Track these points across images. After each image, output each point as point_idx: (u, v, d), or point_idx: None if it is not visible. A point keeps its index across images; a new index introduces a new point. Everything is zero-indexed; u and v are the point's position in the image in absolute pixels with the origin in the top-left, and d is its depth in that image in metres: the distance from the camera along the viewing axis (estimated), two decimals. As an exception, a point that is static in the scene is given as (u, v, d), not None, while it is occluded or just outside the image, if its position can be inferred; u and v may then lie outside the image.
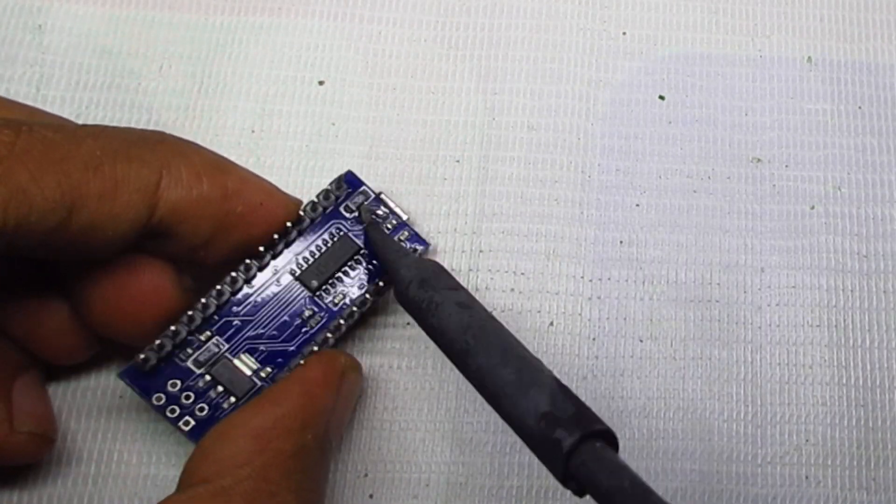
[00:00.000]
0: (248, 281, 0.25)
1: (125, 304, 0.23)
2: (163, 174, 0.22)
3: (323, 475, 0.23)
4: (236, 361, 0.25)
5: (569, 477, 0.19)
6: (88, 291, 0.23)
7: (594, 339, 0.27)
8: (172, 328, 0.24)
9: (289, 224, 0.25)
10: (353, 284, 0.26)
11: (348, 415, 0.25)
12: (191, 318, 0.24)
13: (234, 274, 0.25)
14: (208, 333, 0.25)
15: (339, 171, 0.28)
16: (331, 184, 0.26)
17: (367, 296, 0.25)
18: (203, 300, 0.24)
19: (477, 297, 0.27)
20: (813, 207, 0.28)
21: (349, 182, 0.27)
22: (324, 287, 0.26)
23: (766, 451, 0.26)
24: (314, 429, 0.23)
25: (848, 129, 0.29)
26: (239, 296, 0.25)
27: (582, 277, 0.28)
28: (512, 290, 0.27)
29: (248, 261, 0.25)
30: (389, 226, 0.26)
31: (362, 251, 0.26)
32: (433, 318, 0.22)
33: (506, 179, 0.28)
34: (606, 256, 0.28)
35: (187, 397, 0.24)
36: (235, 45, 0.30)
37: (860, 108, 0.30)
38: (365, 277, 0.26)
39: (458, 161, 0.29)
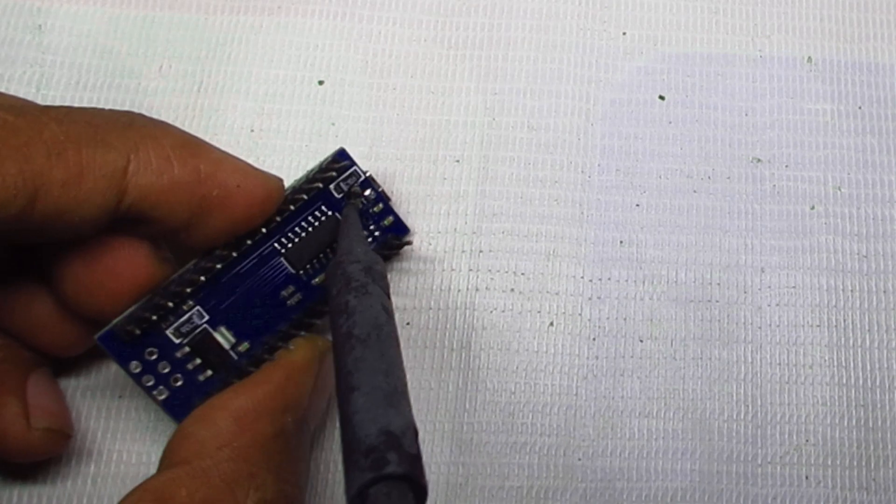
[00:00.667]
0: (233, 254, 0.25)
1: (99, 280, 0.23)
2: (130, 158, 0.21)
3: (302, 458, 0.23)
4: (216, 334, 0.25)
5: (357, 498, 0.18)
6: (62, 272, 0.23)
7: (594, 339, 0.27)
8: (154, 297, 0.24)
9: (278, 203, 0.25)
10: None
11: (326, 399, 0.25)
12: (174, 287, 0.24)
13: (219, 248, 0.25)
14: (190, 303, 0.24)
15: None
16: (323, 161, 0.26)
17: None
18: (187, 270, 0.24)
19: (477, 296, 0.27)
20: (813, 207, 0.28)
21: (340, 158, 0.26)
22: (307, 266, 0.25)
23: (766, 451, 0.26)
24: (294, 411, 0.23)
25: (848, 129, 0.29)
26: (223, 268, 0.25)
27: (582, 277, 0.28)
28: (512, 290, 0.27)
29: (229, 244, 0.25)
30: (375, 209, 0.26)
31: None
32: (353, 297, 0.21)
33: (506, 179, 0.28)
34: (606, 256, 0.28)
35: (164, 367, 0.24)
36: (235, 45, 0.30)
37: (860, 108, 0.30)
38: None
39: (458, 161, 0.29)
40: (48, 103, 0.28)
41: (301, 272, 0.25)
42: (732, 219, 0.28)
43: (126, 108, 0.29)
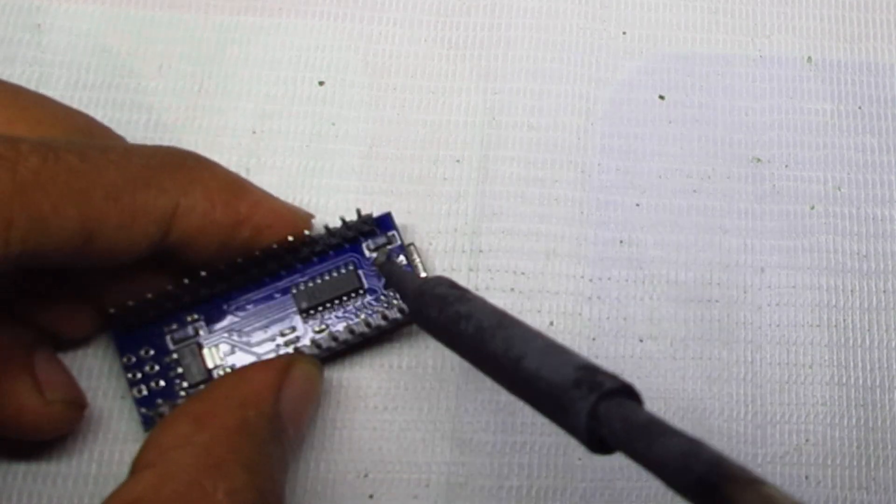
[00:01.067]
0: (250, 280, 0.26)
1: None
2: (179, 202, 0.22)
3: (278, 458, 0.23)
4: (205, 350, 0.25)
5: (594, 436, 0.18)
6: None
7: (594, 339, 0.27)
8: (166, 298, 0.25)
9: (308, 236, 0.26)
10: (340, 321, 0.26)
11: (308, 405, 0.25)
12: (185, 297, 0.25)
13: (236, 272, 0.25)
14: (195, 315, 0.25)
15: (340, 170, 0.28)
16: (366, 217, 0.26)
17: (341, 336, 0.26)
18: (203, 281, 0.25)
19: (477, 297, 0.27)
20: (813, 207, 0.29)
21: (382, 224, 0.27)
22: (311, 311, 0.26)
23: (766, 451, 0.26)
24: (256, 406, 0.23)
25: (848, 129, 0.29)
26: (237, 291, 0.26)
27: (582, 277, 0.28)
28: (512, 289, 0.27)
29: (255, 265, 0.25)
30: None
31: (361, 290, 0.26)
32: (460, 305, 0.21)
33: (506, 179, 0.28)
34: (606, 256, 0.28)
35: (151, 367, 0.25)
36: (235, 46, 0.30)
37: (860, 108, 0.30)
38: (351, 317, 0.26)
39: (458, 161, 0.29)
40: (47, 103, 0.29)
41: (304, 315, 0.26)
42: (732, 219, 0.28)
43: (126, 107, 0.29)
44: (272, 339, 0.25)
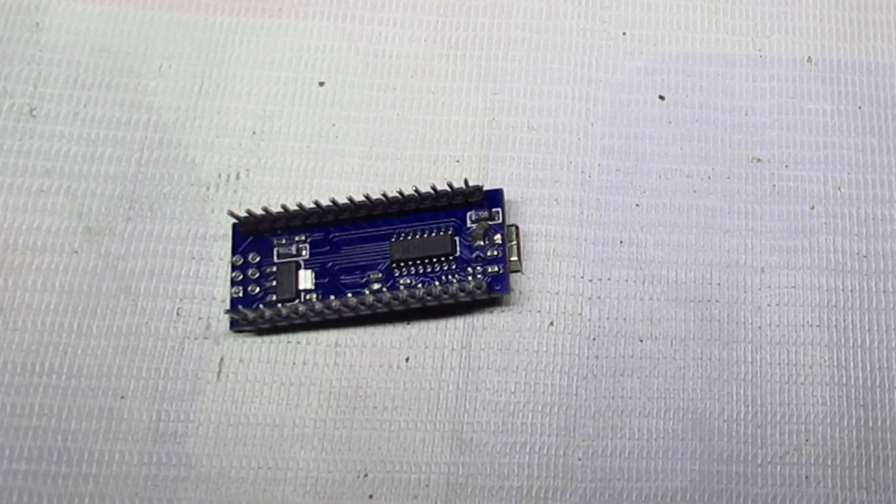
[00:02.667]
0: (360, 218, 0.27)
1: None
2: None
3: None
4: (301, 272, 0.27)
5: None
6: None
7: (594, 339, 0.27)
8: (285, 215, 0.27)
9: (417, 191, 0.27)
10: (423, 279, 0.27)
11: None
12: (298, 219, 0.27)
13: (345, 205, 0.27)
14: (303, 237, 0.27)
15: (340, 170, 0.28)
16: (472, 187, 0.27)
17: (422, 293, 0.26)
18: (318, 210, 0.27)
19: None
20: (813, 207, 0.29)
21: (491, 198, 0.27)
22: (402, 264, 0.27)
23: (766, 451, 0.26)
24: None
25: (848, 129, 0.29)
26: (347, 224, 0.27)
27: (582, 277, 0.28)
28: (512, 290, 0.27)
29: (362, 202, 0.27)
30: (490, 253, 0.27)
31: (452, 256, 0.27)
32: None
33: (506, 179, 0.28)
34: (606, 256, 0.28)
35: (253, 273, 0.27)
36: (236, 46, 0.30)
37: (860, 108, 0.30)
38: (436, 279, 0.27)
39: (458, 161, 0.29)
40: (46, 101, 0.29)
41: (394, 266, 0.27)
42: (732, 219, 0.28)
43: (125, 107, 0.29)
44: (360, 279, 0.26)
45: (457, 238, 0.27)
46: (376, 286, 0.26)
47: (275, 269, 0.27)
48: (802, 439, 0.26)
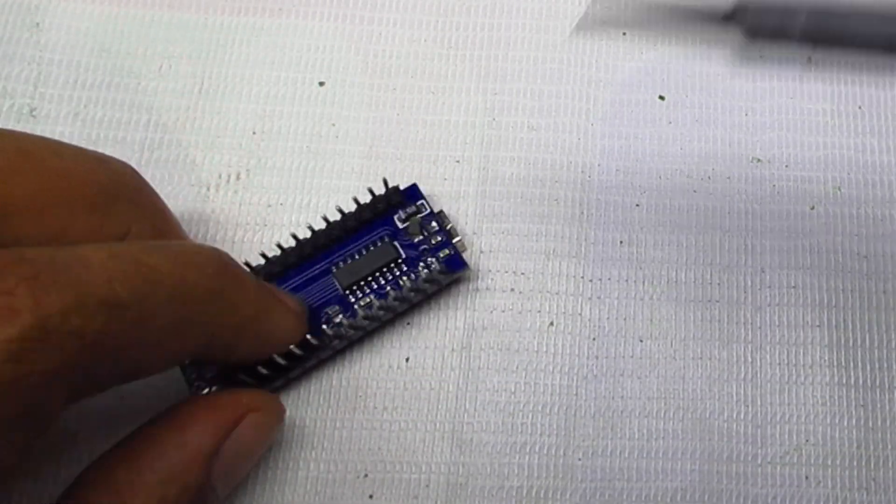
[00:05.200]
0: (289, 267, 0.26)
1: None
2: (214, 331, 0.22)
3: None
4: None
5: None
6: None
7: (594, 339, 0.27)
8: None
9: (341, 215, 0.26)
10: (385, 291, 0.26)
11: (249, 460, 0.24)
12: None
13: (275, 256, 0.26)
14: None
15: (340, 170, 0.28)
16: (390, 190, 0.27)
17: (388, 304, 0.26)
18: (249, 266, 0.25)
19: (477, 297, 0.27)
20: (813, 207, 0.29)
21: (410, 195, 0.27)
22: (354, 288, 0.26)
23: (766, 451, 0.26)
24: (182, 479, 0.22)
25: (848, 129, 0.29)
26: (279, 278, 0.26)
27: (582, 277, 0.28)
28: (512, 290, 0.27)
29: (293, 250, 0.26)
30: (433, 241, 0.27)
31: (399, 259, 0.26)
32: None
33: (506, 180, 0.28)
34: (606, 256, 0.28)
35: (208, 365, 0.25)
36: (236, 46, 0.30)
37: (860, 108, 0.30)
38: (395, 285, 0.26)
39: (458, 161, 0.29)
40: (46, 102, 0.29)
41: (348, 293, 0.26)
42: (732, 219, 0.28)
43: (126, 107, 0.29)
44: (319, 320, 0.26)
45: (395, 243, 0.26)
46: (338, 319, 0.26)
47: None
48: (802, 439, 0.26)
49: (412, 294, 0.26)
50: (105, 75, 0.29)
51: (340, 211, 0.26)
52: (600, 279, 0.28)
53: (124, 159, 0.28)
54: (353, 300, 0.26)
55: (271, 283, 0.26)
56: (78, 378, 0.18)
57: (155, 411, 0.26)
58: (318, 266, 0.26)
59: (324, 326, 0.25)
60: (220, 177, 0.28)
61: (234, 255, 0.27)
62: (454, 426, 0.26)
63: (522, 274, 0.28)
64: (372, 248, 0.26)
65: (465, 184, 0.28)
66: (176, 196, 0.28)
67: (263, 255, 0.26)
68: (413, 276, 0.26)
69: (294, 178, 0.28)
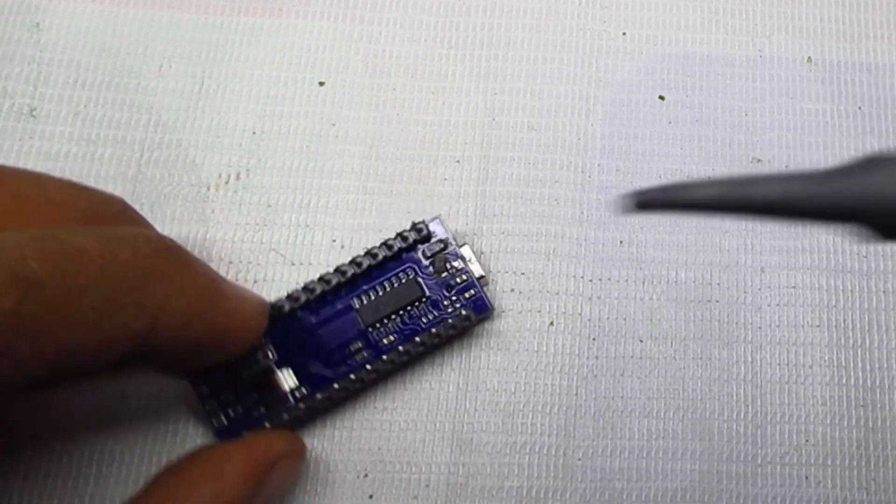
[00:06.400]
0: (313, 301, 0.26)
1: None
2: (157, 318, 0.21)
3: None
4: (279, 374, 0.25)
5: None
6: None
7: (594, 339, 0.27)
8: None
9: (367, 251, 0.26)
10: (407, 331, 0.26)
11: (280, 498, 0.25)
12: None
13: (301, 291, 0.25)
14: (263, 339, 0.25)
15: (340, 170, 0.28)
16: (417, 224, 0.26)
17: (413, 347, 0.25)
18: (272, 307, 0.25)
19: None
20: (813, 207, 0.28)
21: (434, 231, 0.27)
22: (377, 325, 0.26)
23: (766, 451, 0.26)
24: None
25: (848, 129, 0.29)
26: (300, 313, 0.26)
27: (582, 277, 0.28)
28: (512, 290, 0.27)
29: (317, 285, 0.25)
30: (459, 280, 0.26)
31: (423, 298, 0.26)
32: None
33: (506, 180, 0.28)
34: (606, 256, 0.28)
35: (228, 396, 0.25)
36: (236, 46, 0.30)
37: (860, 108, 0.30)
38: (418, 327, 0.26)
39: (458, 161, 0.29)
40: (46, 101, 0.29)
41: (370, 330, 0.26)
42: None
43: (125, 107, 0.29)
44: (342, 357, 0.25)
45: (419, 280, 0.26)
46: (360, 357, 0.25)
47: (250, 383, 0.25)
48: (802, 439, 0.26)
49: (435, 340, 0.25)
50: (105, 75, 0.29)
51: (368, 252, 0.26)
52: (600, 279, 0.28)
53: (124, 159, 0.28)
54: (375, 338, 0.25)
55: (295, 315, 0.26)
56: (12, 365, 0.17)
57: (155, 411, 0.26)
58: (341, 301, 0.26)
59: (345, 363, 0.25)
60: (220, 177, 0.28)
61: (235, 256, 0.27)
62: (454, 426, 0.26)
63: (522, 274, 0.28)
64: (396, 286, 0.26)
65: (465, 184, 0.28)
66: (176, 196, 0.28)
67: (289, 297, 0.25)
68: (437, 318, 0.26)
69: (294, 178, 0.28)
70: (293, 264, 0.27)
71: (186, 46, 0.30)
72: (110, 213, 0.23)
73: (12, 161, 0.28)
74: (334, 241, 0.28)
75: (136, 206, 0.28)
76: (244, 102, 0.29)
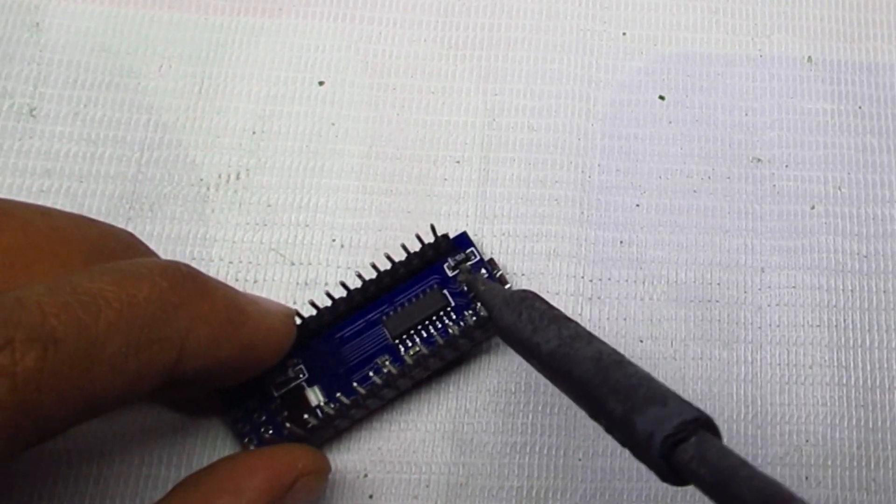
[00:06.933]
0: (339, 317, 0.26)
1: None
2: (184, 348, 0.20)
3: None
4: (308, 391, 0.25)
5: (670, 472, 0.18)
6: None
7: (594, 339, 0.27)
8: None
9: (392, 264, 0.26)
10: (434, 340, 0.25)
11: None
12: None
13: (326, 308, 0.25)
14: (295, 360, 0.25)
15: (340, 170, 0.28)
16: (439, 238, 0.26)
17: (441, 356, 0.25)
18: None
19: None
20: (813, 207, 0.29)
21: (460, 243, 0.27)
22: (404, 337, 0.25)
23: (766, 451, 0.26)
24: None
25: (848, 129, 0.29)
26: (329, 329, 0.26)
27: (582, 277, 0.28)
28: (512, 290, 0.27)
29: (341, 301, 0.25)
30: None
31: (449, 307, 0.26)
32: (551, 321, 0.21)
33: (506, 180, 0.28)
34: (606, 256, 0.28)
35: (259, 416, 0.25)
36: (236, 46, 0.30)
37: (860, 108, 0.30)
38: (445, 336, 0.25)
39: (458, 162, 0.29)
40: (46, 101, 0.29)
41: (398, 342, 0.25)
42: (732, 219, 0.28)
43: (125, 107, 0.29)
44: (370, 371, 0.25)
45: (445, 291, 0.26)
46: (388, 369, 0.25)
47: (279, 401, 0.25)
48: (802, 439, 0.26)
49: (463, 341, 0.25)
50: (105, 75, 0.29)
51: (389, 259, 0.26)
52: (600, 279, 0.28)
53: (124, 159, 0.28)
54: (402, 350, 0.25)
55: (321, 333, 0.26)
56: (19, 420, 0.17)
57: (155, 409, 0.26)
58: (368, 316, 0.26)
59: (373, 376, 0.24)
60: (220, 177, 0.28)
61: (235, 256, 0.27)
62: (454, 426, 0.26)
63: (523, 274, 0.28)
64: (421, 297, 0.26)
65: (465, 184, 0.28)
66: (176, 196, 0.28)
67: (313, 305, 0.25)
68: (462, 322, 0.25)
69: (294, 177, 0.28)
70: (293, 264, 0.27)
71: (186, 46, 0.30)
72: (120, 246, 0.23)
73: (12, 161, 0.28)
74: (334, 240, 0.28)
75: (136, 206, 0.28)
76: (244, 102, 0.29)
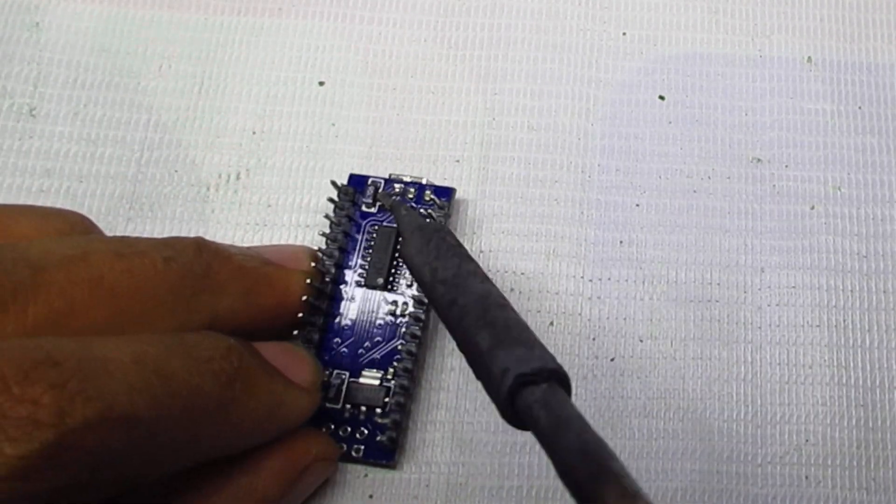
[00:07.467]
0: (329, 312, 0.26)
1: None
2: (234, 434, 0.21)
3: None
4: (361, 380, 0.25)
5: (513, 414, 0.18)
6: None
7: (594, 339, 0.27)
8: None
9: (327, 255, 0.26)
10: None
11: (301, 499, 0.25)
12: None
13: (311, 315, 0.25)
14: (326, 372, 0.25)
15: (340, 171, 0.28)
16: (338, 194, 0.27)
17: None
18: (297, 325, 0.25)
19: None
20: (813, 207, 0.29)
21: (356, 184, 0.27)
22: (390, 279, 0.26)
23: (766, 451, 0.26)
24: None
25: (848, 129, 0.29)
26: (331, 326, 0.26)
27: (582, 277, 0.28)
28: (512, 290, 0.27)
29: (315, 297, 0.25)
30: (410, 194, 0.27)
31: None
32: (456, 258, 0.22)
33: (506, 180, 0.28)
34: (606, 256, 0.28)
35: (345, 430, 0.25)
36: (236, 46, 0.30)
37: (860, 108, 0.30)
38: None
39: (458, 161, 0.29)
40: (45, 101, 0.29)
41: (389, 288, 0.26)
42: (732, 219, 0.28)
43: (125, 107, 0.29)
44: (391, 323, 0.26)
45: (385, 224, 0.27)
46: (402, 309, 0.26)
47: (349, 406, 0.25)
48: (802, 439, 0.26)
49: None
50: (105, 75, 0.29)
51: (324, 234, 0.26)
52: (600, 279, 0.28)
53: (124, 159, 0.28)
54: (399, 286, 0.26)
55: (328, 334, 0.26)
56: (76, 495, 0.17)
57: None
58: (348, 287, 0.26)
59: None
60: (220, 177, 0.28)
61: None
62: (454, 426, 0.26)
63: (522, 274, 0.28)
64: (373, 243, 0.26)
65: (465, 184, 0.28)
66: (176, 196, 0.28)
67: (314, 305, 0.25)
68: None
69: (294, 177, 0.28)
70: (293, 264, 0.27)
71: (186, 46, 0.30)
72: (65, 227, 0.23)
73: (12, 161, 0.28)
74: (334, 241, 0.28)
75: (136, 206, 0.28)
76: (244, 102, 0.29)
